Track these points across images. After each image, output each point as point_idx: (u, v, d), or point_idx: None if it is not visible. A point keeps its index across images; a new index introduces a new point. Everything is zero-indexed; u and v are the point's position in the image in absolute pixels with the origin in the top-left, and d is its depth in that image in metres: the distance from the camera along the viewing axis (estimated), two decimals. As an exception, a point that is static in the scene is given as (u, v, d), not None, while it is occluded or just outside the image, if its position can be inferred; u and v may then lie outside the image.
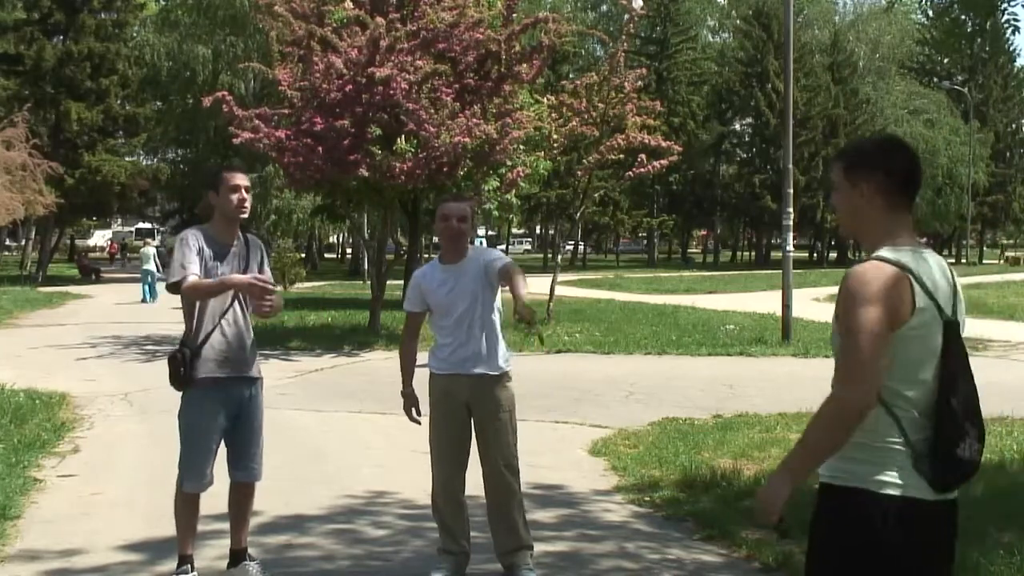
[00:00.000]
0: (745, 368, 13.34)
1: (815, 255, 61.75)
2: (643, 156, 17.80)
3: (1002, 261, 61.78)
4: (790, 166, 16.38)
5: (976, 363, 2.66)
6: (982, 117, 57.57)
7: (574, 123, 16.82)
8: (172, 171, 46.72)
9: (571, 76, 35.15)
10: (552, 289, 19.52)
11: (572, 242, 59.20)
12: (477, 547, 5.01)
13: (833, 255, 62.39)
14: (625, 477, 7.04)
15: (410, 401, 4.96)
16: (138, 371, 13.02)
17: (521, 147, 15.61)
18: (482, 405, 4.83)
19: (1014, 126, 62.94)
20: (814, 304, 22.74)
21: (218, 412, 4.65)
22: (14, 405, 9.27)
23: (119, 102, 40.06)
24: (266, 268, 4.88)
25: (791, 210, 16.06)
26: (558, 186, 40.66)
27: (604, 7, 64.26)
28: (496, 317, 4.88)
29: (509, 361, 4.92)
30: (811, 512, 2.62)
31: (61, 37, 38.86)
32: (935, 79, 60.89)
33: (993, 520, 5.39)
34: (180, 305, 4.88)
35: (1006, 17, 7.46)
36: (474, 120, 14.20)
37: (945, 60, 59.79)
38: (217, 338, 4.63)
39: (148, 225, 65.03)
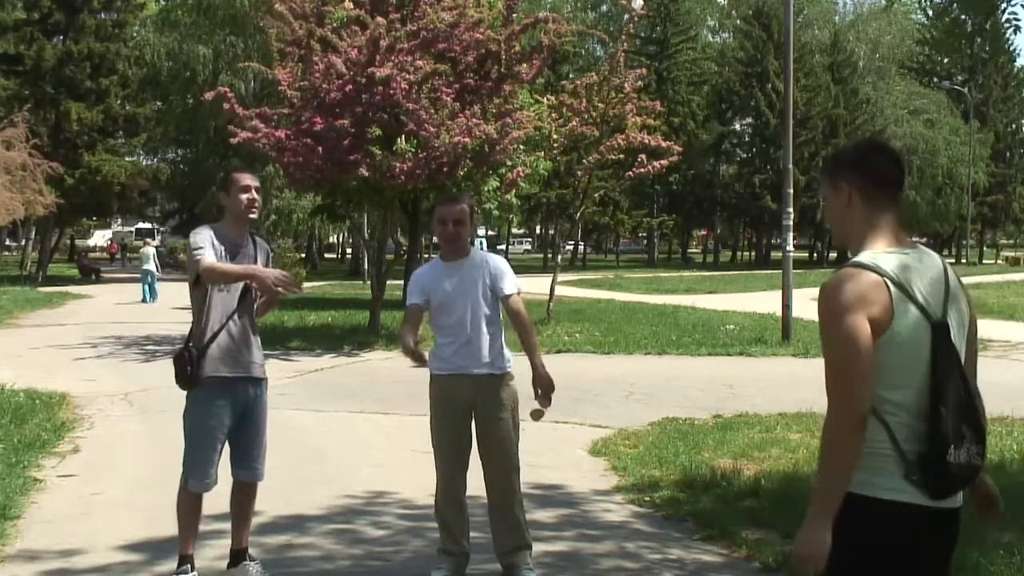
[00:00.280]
0: (745, 368, 13.34)
1: (815, 255, 61.75)
2: (643, 156, 17.80)
3: (998, 261, 61.79)
4: (790, 166, 16.38)
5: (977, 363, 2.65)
6: (982, 117, 57.55)
7: (574, 123, 16.82)
8: (172, 171, 46.75)
9: (571, 76, 35.13)
10: (552, 289, 19.52)
11: (572, 242, 59.20)
12: (477, 547, 5.01)
13: (833, 255, 62.39)
14: (625, 477, 7.04)
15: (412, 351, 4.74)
16: (138, 371, 13.03)
17: (521, 147, 15.60)
18: (485, 405, 4.82)
19: (1014, 126, 62.90)
20: (814, 304, 22.36)
21: (224, 412, 4.66)
22: (14, 405, 9.27)
23: (119, 102, 40.09)
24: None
25: (791, 210, 16.06)
26: (558, 186, 40.66)
27: (604, 7, 64.25)
28: (498, 317, 4.88)
29: (511, 360, 4.92)
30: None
31: (61, 37, 38.89)
32: (935, 79, 60.87)
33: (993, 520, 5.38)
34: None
35: (1006, 16, 7.46)
36: (474, 120, 14.20)
37: (945, 60, 59.82)
38: (224, 338, 4.64)
39: (148, 225, 65.09)
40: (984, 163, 55.74)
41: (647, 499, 6.42)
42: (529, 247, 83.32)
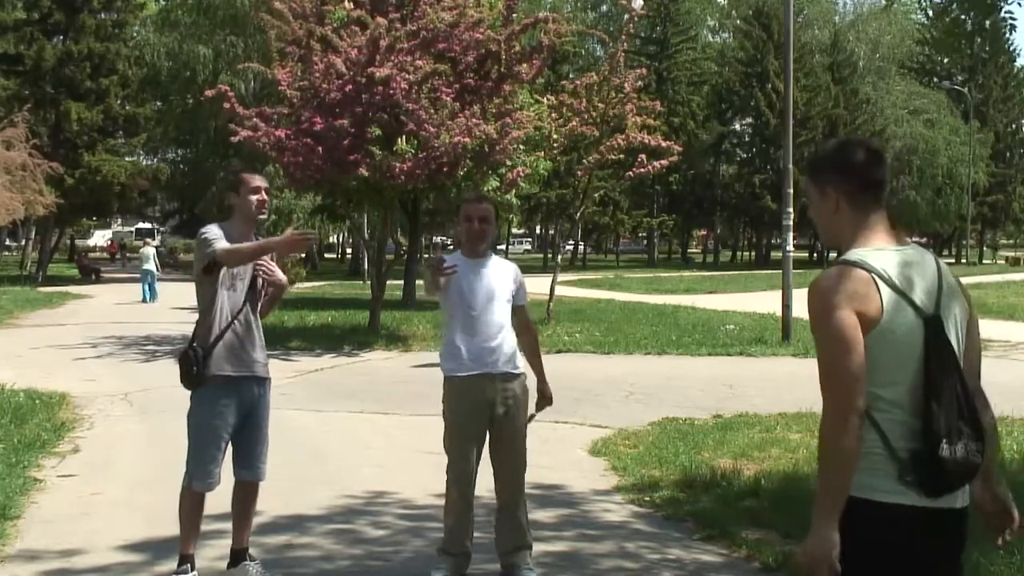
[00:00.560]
0: (745, 368, 13.34)
1: (815, 255, 61.71)
2: (643, 156, 17.79)
3: (996, 261, 61.77)
4: (790, 166, 16.37)
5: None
6: (982, 117, 57.55)
7: (574, 123, 16.81)
8: (172, 171, 46.79)
9: (571, 76, 35.12)
10: (552, 289, 19.52)
11: (572, 242, 59.21)
12: (477, 547, 5.00)
13: (833, 255, 62.34)
14: (625, 477, 7.04)
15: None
16: (138, 371, 13.03)
17: (521, 147, 15.60)
18: (504, 403, 4.81)
19: (1014, 126, 62.89)
20: (812, 304, 22.67)
21: (229, 411, 4.67)
22: (14, 405, 9.27)
23: (119, 102, 40.09)
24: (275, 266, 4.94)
25: (791, 210, 16.06)
26: (558, 186, 40.65)
27: (604, 7, 64.27)
28: (511, 321, 4.93)
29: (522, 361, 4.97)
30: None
31: (61, 37, 38.89)
32: (935, 79, 60.89)
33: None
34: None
35: (1002, 15, 7.46)
36: (474, 120, 14.20)
37: (945, 60, 59.83)
38: (230, 336, 4.65)
39: (148, 225, 65.12)
40: (984, 163, 55.74)
41: (647, 499, 6.42)
42: (529, 247, 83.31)
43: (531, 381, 4.98)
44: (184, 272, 43.05)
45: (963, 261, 56.93)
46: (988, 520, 2.62)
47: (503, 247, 65.12)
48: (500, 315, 4.82)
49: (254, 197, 4.74)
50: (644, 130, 17.75)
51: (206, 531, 5.03)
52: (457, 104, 14.41)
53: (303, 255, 44.14)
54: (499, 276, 4.88)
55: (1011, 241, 77.60)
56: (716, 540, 5.53)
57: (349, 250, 55.21)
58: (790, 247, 16.31)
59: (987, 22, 8.23)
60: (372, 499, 6.42)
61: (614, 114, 17.80)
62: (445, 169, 14.37)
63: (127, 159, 41.77)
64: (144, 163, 46.30)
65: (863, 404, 2.38)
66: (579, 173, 20.62)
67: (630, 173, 18.32)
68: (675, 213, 57.48)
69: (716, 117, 57.60)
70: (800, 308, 16.02)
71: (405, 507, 6.21)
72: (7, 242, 54.24)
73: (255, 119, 14.77)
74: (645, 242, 65.04)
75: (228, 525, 4.94)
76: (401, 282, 23.23)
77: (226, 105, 15.11)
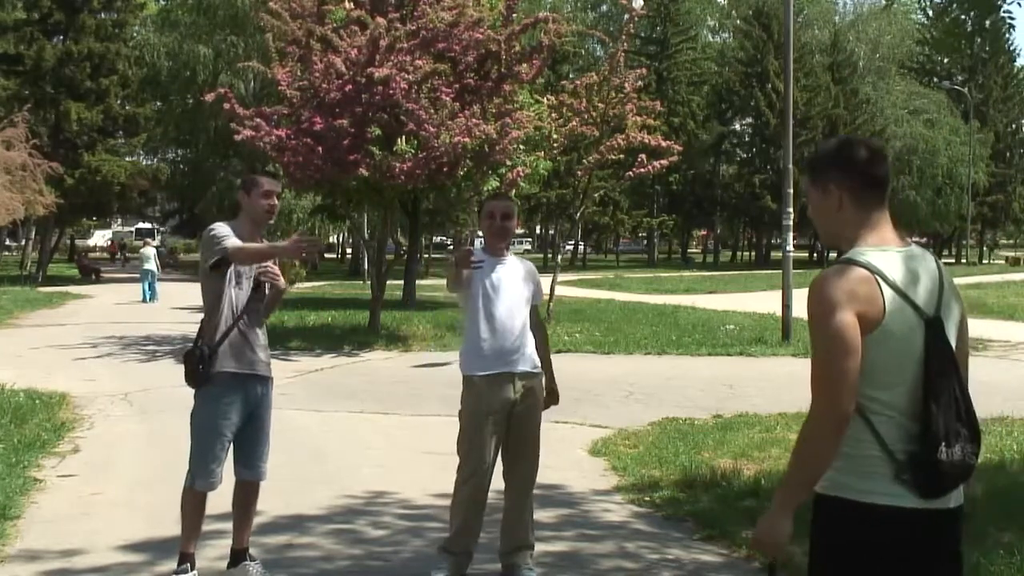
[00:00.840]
0: (745, 368, 13.34)
1: (815, 255, 61.69)
2: (643, 156, 17.77)
3: (993, 260, 61.76)
4: (790, 166, 16.37)
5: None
6: (982, 117, 57.54)
7: (574, 123, 16.80)
8: (172, 171, 46.80)
9: (571, 76, 35.10)
10: (552, 289, 19.49)
11: (572, 242, 59.20)
12: (477, 546, 5.00)
13: (833, 255, 62.38)
14: (625, 477, 7.04)
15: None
16: (138, 371, 13.03)
17: (521, 147, 15.59)
18: (524, 402, 4.82)
19: (1014, 126, 62.88)
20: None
21: (233, 410, 4.68)
22: (14, 405, 9.27)
23: (119, 102, 40.09)
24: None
25: (791, 210, 16.05)
26: (558, 186, 40.65)
27: (604, 7, 64.29)
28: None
29: None
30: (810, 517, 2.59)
31: (61, 37, 38.88)
32: (935, 79, 60.86)
33: (993, 520, 5.39)
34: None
35: (1000, 15, 7.46)
36: (474, 120, 14.20)
37: (945, 60, 59.80)
38: (235, 335, 4.67)
39: (148, 225, 65.12)
40: (984, 163, 55.72)
41: (647, 499, 6.42)
42: (529, 247, 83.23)
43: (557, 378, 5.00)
44: (184, 272, 43.09)
45: (963, 261, 56.93)
46: None
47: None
48: (522, 314, 4.85)
49: (264, 201, 4.77)
50: (644, 130, 17.73)
51: (206, 531, 5.03)
52: (457, 104, 14.41)
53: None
54: (519, 275, 4.91)
55: (1011, 241, 77.59)
56: (716, 540, 5.53)
57: (349, 250, 55.21)
58: (790, 247, 16.31)
59: (987, 22, 8.23)
60: (372, 499, 6.42)
61: (614, 114, 17.79)
62: (445, 169, 14.37)
63: (127, 159, 41.78)
64: (144, 163, 46.31)
65: (853, 406, 2.37)
66: (579, 173, 20.61)
67: (630, 173, 18.31)
68: (675, 213, 57.48)
69: (716, 117, 57.60)
70: (800, 308, 16.01)
71: (405, 507, 6.21)
72: (7, 242, 54.25)
73: (256, 119, 14.77)
74: (645, 242, 65.04)
75: (228, 525, 4.94)
76: (401, 282, 23.22)
77: (226, 106, 15.12)
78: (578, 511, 6.21)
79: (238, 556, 4.85)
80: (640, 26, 50.04)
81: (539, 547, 5.11)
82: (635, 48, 51.00)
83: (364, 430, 9.06)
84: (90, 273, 39.68)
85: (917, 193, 51.96)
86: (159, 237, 59.77)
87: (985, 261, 61.81)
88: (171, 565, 4.81)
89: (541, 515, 5.91)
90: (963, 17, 8.42)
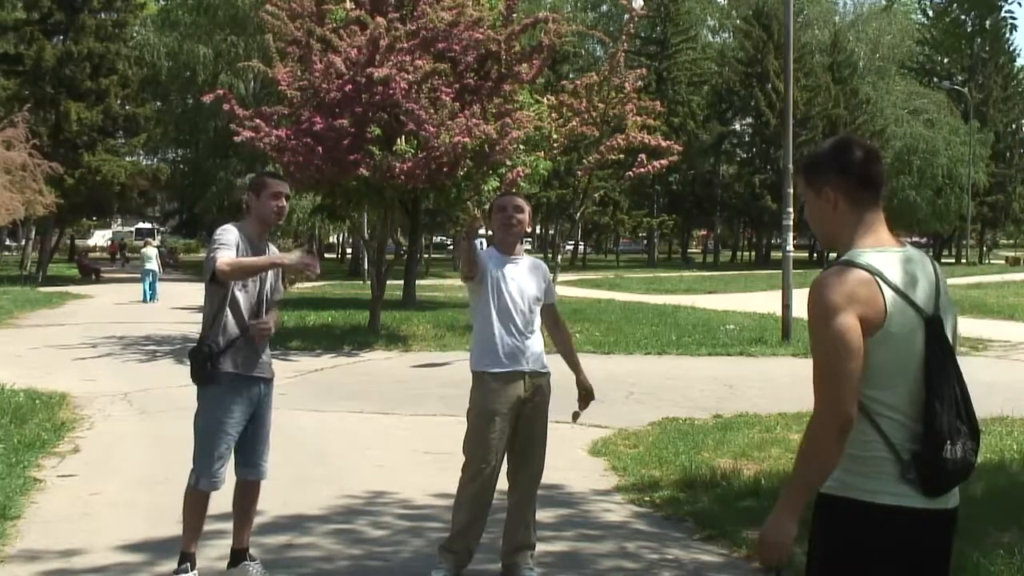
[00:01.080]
0: (745, 368, 13.34)
1: (815, 255, 61.70)
2: (643, 156, 17.74)
3: (988, 260, 61.76)
4: (790, 166, 16.37)
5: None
6: (982, 117, 57.53)
7: (574, 123, 16.79)
8: (172, 171, 46.79)
9: (571, 76, 35.12)
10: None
11: (572, 242, 59.21)
12: (478, 546, 5.00)
13: (833, 255, 62.24)
14: (625, 477, 7.04)
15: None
16: (138, 371, 13.03)
17: (521, 147, 15.59)
18: (533, 401, 4.82)
19: (1014, 126, 62.84)
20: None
21: (238, 410, 4.69)
22: (14, 405, 9.26)
23: (119, 102, 40.09)
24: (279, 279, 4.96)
25: (791, 210, 16.06)
26: (558, 186, 40.67)
27: (604, 7, 64.28)
28: None
29: None
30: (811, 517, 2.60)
31: (61, 37, 38.89)
32: (935, 79, 60.86)
33: (993, 520, 5.39)
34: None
35: (1002, 15, 7.46)
36: (474, 120, 14.20)
37: (945, 60, 59.86)
38: (241, 339, 4.67)
39: (148, 225, 65.15)
40: (984, 163, 55.69)
41: (647, 499, 6.42)
42: (529, 247, 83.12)
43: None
44: (184, 272, 43.09)
45: (963, 261, 56.91)
46: None
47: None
48: (533, 313, 4.85)
49: (273, 203, 4.74)
50: (644, 130, 17.71)
51: (206, 531, 5.03)
52: (457, 104, 14.40)
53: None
54: (531, 274, 4.90)
55: (1011, 241, 77.56)
56: (716, 540, 5.53)
57: (349, 250, 55.22)
58: (790, 247, 16.31)
59: (987, 22, 8.22)
60: (372, 499, 6.42)
61: (614, 114, 17.77)
62: (445, 169, 14.37)
63: (127, 159, 41.76)
64: (144, 163, 46.30)
65: (856, 408, 2.37)
66: (579, 173, 20.61)
67: (630, 173, 18.28)
68: (675, 213, 57.48)
69: (716, 117, 57.58)
70: (800, 308, 16.02)
71: (405, 507, 6.21)
72: (7, 242, 54.27)
73: (256, 120, 14.77)
74: (645, 242, 65.02)
75: (228, 525, 4.94)
76: (401, 282, 23.22)
77: (226, 106, 15.13)
78: (578, 511, 6.21)
79: (238, 556, 4.85)
80: (640, 26, 50.03)
81: (539, 547, 5.11)
82: (635, 48, 51.02)
83: (364, 430, 9.06)
84: (90, 273, 39.67)
85: (917, 193, 51.94)
86: (159, 237, 59.75)
87: (985, 261, 61.81)
88: (171, 565, 4.81)
89: (541, 515, 5.90)
90: (963, 17, 8.42)
